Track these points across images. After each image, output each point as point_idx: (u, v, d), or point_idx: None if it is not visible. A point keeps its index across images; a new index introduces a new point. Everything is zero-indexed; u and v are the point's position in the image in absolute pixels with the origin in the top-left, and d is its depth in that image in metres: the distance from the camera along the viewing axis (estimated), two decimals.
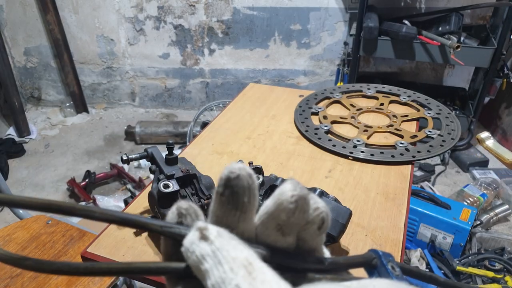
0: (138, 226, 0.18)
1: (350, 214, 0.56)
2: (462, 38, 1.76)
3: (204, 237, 0.17)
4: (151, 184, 0.66)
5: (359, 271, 0.21)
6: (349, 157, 0.79)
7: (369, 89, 1.05)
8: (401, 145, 0.82)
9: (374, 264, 0.20)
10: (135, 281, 1.12)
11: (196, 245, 0.16)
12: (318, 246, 0.21)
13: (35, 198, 0.18)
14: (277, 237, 0.19)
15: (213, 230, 0.17)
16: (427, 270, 1.31)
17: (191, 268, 0.17)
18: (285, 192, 0.18)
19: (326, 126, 0.89)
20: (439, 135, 0.85)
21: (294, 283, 0.18)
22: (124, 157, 0.65)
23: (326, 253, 0.21)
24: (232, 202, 0.18)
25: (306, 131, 0.88)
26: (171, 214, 0.19)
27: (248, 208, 0.18)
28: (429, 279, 0.22)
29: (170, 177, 0.60)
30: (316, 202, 0.19)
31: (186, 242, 0.17)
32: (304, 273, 0.19)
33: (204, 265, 0.16)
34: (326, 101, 1.01)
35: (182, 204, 0.19)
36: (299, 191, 0.18)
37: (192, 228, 0.17)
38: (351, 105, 0.99)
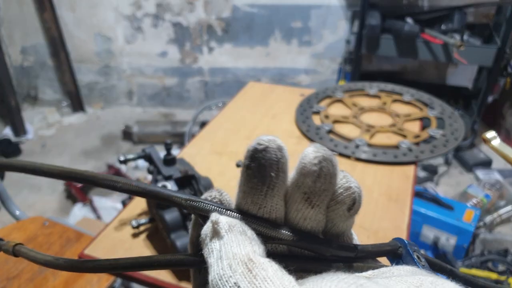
0: (162, 198, 0.18)
1: None
2: (465, 37, 1.74)
3: (215, 232, 0.16)
4: None
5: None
6: (351, 158, 0.78)
7: (371, 88, 1.03)
8: (404, 145, 0.80)
9: (399, 253, 0.20)
10: (133, 283, 1.11)
11: (209, 238, 0.16)
12: (347, 230, 0.20)
13: (57, 166, 0.18)
14: (306, 211, 0.18)
15: (225, 224, 0.16)
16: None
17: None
18: (307, 155, 0.17)
19: (327, 125, 0.87)
20: (442, 135, 0.83)
21: (300, 277, 0.17)
22: (122, 158, 0.63)
23: (355, 237, 0.20)
24: (258, 175, 0.17)
25: (307, 130, 0.86)
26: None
27: (276, 184, 0.17)
28: (449, 273, 0.22)
29: (168, 178, 0.59)
30: (348, 181, 0.18)
31: (202, 233, 0.17)
32: (330, 262, 0.18)
33: (209, 260, 0.16)
34: (328, 100, 0.99)
35: (213, 193, 0.19)
36: (323, 153, 0.17)
37: (208, 220, 0.17)
38: (353, 104, 0.97)
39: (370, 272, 0.17)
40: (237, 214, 0.18)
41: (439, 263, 0.21)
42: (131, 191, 0.18)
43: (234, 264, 0.15)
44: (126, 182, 0.18)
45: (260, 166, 0.17)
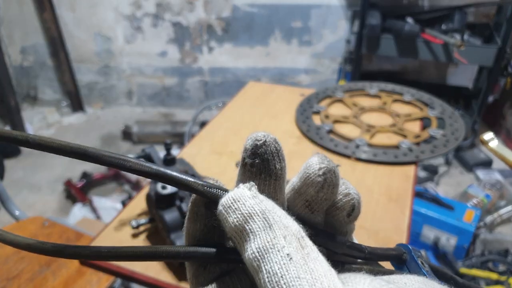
0: (177, 183, 0.17)
1: None
2: (465, 37, 1.74)
3: (254, 194, 0.15)
4: (148, 185, 0.64)
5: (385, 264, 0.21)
6: (352, 158, 0.78)
7: (371, 87, 1.03)
8: (404, 145, 0.80)
9: (404, 258, 0.20)
10: (133, 284, 1.10)
11: (242, 202, 0.15)
12: (348, 234, 0.20)
13: (56, 139, 0.16)
14: (305, 215, 0.18)
15: (261, 194, 0.16)
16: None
17: (227, 234, 0.15)
18: (312, 165, 0.17)
19: (327, 125, 0.87)
20: (442, 135, 0.83)
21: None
22: None
23: (356, 242, 0.21)
24: (264, 170, 0.17)
25: (308, 130, 0.86)
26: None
27: (281, 175, 0.17)
28: (449, 279, 0.22)
29: None
30: (347, 188, 0.18)
31: (227, 199, 0.15)
32: (342, 261, 0.18)
33: (250, 225, 0.14)
34: (328, 100, 0.99)
35: (210, 181, 0.18)
36: (327, 164, 0.17)
37: (237, 187, 0.16)
38: (354, 104, 0.97)
39: (387, 278, 0.17)
40: None
41: (441, 269, 0.21)
42: (142, 172, 0.16)
43: (289, 236, 0.14)
44: (137, 162, 0.16)
45: (264, 161, 0.17)
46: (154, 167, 0.17)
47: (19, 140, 0.16)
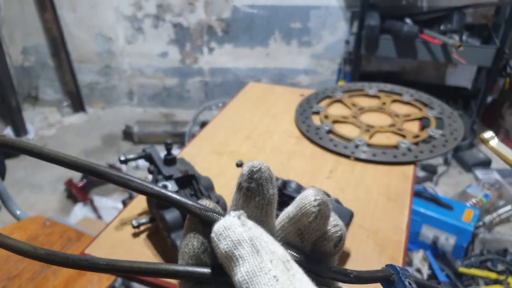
0: (176, 205, 0.18)
1: (351, 215, 0.55)
2: (464, 37, 1.74)
3: (243, 222, 0.16)
4: None
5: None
6: (351, 157, 0.78)
7: (370, 88, 1.04)
8: (403, 145, 0.81)
9: (392, 280, 0.21)
10: (134, 283, 1.11)
11: (232, 230, 0.16)
12: (330, 264, 0.21)
13: (68, 155, 0.18)
14: (295, 244, 0.19)
15: (250, 221, 0.17)
16: (430, 272, 1.30)
17: (218, 259, 0.16)
18: (308, 196, 0.18)
19: (327, 126, 0.88)
20: (441, 135, 0.84)
21: None
22: (122, 158, 0.64)
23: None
24: (258, 194, 0.18)
25: (307, 131, 0.87)
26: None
27: (273, 200, 0.19)
28: None
29: (168, 178, 0.59)
30: (335, 220, 0.20)
31: (219, 226, 0.17)
32: (328, 283, 0.19)
33: (239, 251, 0.16)
34: (327, 101, 1.00)
35: (205, 201, 0.19)
36: (322, 197, 0.18)
37: (228, 214, 0.17)
38: (353, 104, 0.97)
39: None
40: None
41: (428, 284, 0.22)
42: (145, 192, 0.18)
43: (275, 260, 0.15)
44: (141, 183, 0.18)
45: (259, 186, 0.18)
46: (156, 188, 0.18)
47: (34, 153, 0.18)
